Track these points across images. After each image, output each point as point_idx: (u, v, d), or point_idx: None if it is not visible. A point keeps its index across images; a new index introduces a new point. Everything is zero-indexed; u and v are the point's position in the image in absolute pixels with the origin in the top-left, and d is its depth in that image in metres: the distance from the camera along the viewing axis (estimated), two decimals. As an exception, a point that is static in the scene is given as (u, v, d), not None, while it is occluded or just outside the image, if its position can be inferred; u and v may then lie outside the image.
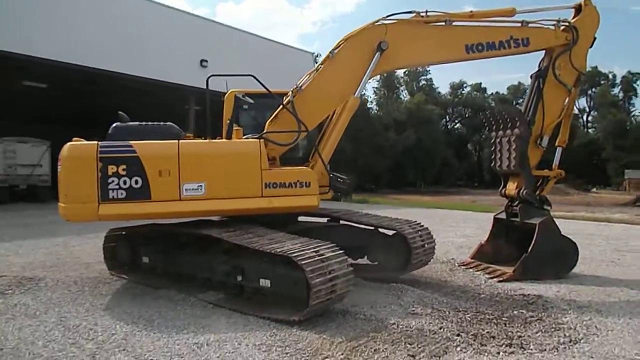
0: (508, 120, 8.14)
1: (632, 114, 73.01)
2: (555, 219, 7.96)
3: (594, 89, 75.68)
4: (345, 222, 7.68)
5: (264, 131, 6.72)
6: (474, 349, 4.55)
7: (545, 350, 4.57)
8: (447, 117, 76.39)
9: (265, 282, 5.64)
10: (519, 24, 7.65)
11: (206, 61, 23.56)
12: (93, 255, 8.58)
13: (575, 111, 78.89)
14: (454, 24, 7.45)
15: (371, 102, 64.25)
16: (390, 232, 7.23)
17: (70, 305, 5.76)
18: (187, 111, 24.61)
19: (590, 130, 76.54)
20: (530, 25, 7.70)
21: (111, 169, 5.94)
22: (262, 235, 5.92)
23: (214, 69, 23.09)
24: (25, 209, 18.94)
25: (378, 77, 64.26)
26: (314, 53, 45.88)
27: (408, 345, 4.57)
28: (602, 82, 75.99)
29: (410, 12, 7.33)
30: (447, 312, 5.73)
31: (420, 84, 72.40)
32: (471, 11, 7.74)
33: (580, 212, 26.21)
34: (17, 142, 22.33)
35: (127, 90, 22.44)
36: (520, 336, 4.92)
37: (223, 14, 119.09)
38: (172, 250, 6.82)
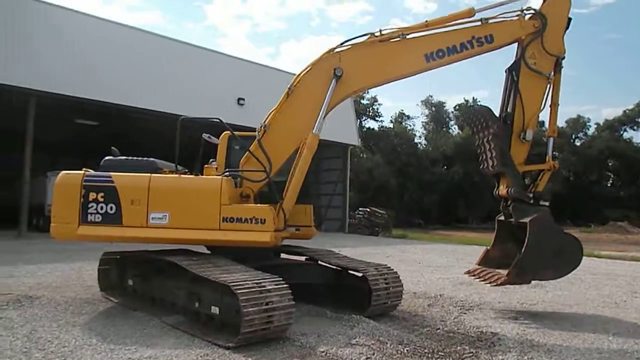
0: (482, 120, 7.87)
1: None
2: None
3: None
4: (321, 262, 7.96)
5: (226, 170, 7.32)
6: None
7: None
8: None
9: (215, 309, 6.07)
10: (480, 23, 7.52)
11: (243, 99, 24.84)
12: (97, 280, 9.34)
13: None
14: (409, 36, 7.45)
15: (419, 136, 64.03)
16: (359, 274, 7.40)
17: (46, 321, 6.43)
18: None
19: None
20: (491, 21, 7.56)
21: (92, 195, 6.84)
22: (220, 267, 6.37)
23: (250, 106, 24.42)
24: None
25: (427, 111, 64.28)
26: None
27: (317, 371, 4.79)
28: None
29: (365, 35, 7.44)
30: (387, 345, 5.84)
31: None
32: (426, 20, 7.63)
33: (632, 252, 24.77)
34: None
35: (170, 126, 24.00)
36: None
37: (285, 53, 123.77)
38: (151, 274, 7.42)
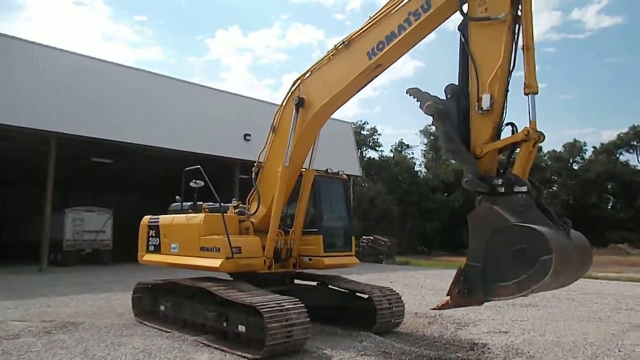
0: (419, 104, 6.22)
1: None
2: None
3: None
4: (331, 286, 8.95)
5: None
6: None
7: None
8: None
9: (242, 328, 7.05)
10: None
11: (249, 135, 26.13)
12: (127, 308, 10.27)
13: (639, 167, 75.76)
14: (353, 39, 7.20)
15: (420, 164, 65.31)
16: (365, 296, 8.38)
17: (94, 342, 7.39)
18: (234, 180, 27.08)
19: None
20: None
21: (151, 232, 9.18)
22: (244, 291, 7.38)
23: (256, 141, 25.70)
24: (88, 270, 21.42)
25: (425, 140, 65.74)
26: (354, 123, 48.38)
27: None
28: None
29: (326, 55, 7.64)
30: (392, 355, 6.80)
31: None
32: (369, 16, 7.17)
33: (629, 272, 25.57)
34: (84, 211, 25.50)
35: (178, 163, 25.23)
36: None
37: (287, 84, 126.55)
38: (181, 300, 8.43)
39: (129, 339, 7.66)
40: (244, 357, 6.54)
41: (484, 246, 5.21)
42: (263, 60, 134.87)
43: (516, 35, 5.60)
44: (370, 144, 61.74)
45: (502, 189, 5.35)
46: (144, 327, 8.59)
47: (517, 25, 5.58)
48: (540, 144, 5.45)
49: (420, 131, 66.71)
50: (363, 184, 49.97)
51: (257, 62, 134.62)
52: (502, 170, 5.71)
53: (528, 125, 5.32)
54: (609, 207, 74.34)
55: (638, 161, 76.56)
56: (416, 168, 61.91)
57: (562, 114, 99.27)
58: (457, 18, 6.11)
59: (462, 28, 5.96)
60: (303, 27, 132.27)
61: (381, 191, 48.57)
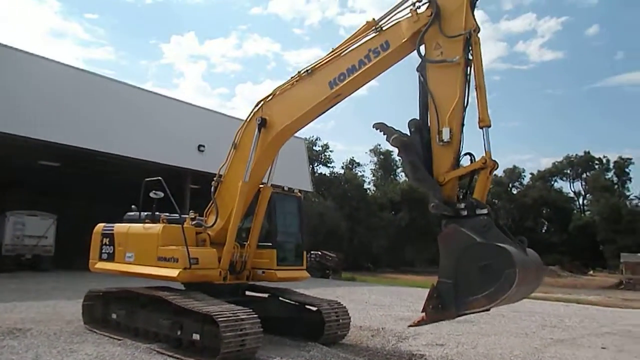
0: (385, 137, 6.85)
1: (629, 197, 74.65)
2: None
3: (587, 173, 78.00)
4: (281, 298, 9.35)
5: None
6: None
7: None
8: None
9: (196, 336, 7.35)
10: (375, 34, 7.12)
11: (203, 146, 26.17)
12: (75, 315, 10.22)
13: (571, 194, 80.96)
14: (318, 67, 7.70)
15: (369, 182, 66.87)
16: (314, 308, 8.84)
17: (45, 348, 7.45)
18: (184, 190, 26.92)
19: (587, 213, 77.79)
20: (385, 27, 7.04)
21: (104, 240, 9.20)
22: (200, 300, 7.67)
23: (210, 153, 25.81)
24: (29, 277, 20.66)
25: (375, 159, 67.52)
26: (306, 139, 49.13)
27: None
28: (597, 166, 78.46)
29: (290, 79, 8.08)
30: (337, 363, 7.32)
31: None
32: (332, 48, 7.69)
33: (557, 294, 27.41)
34: (27, 215, 24.57)
35: (130, 170, 24.89)
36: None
37: (241, 95, 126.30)
38: (134, 308, 8.58)
39: (81, 346, 7.75)
40: (198, 364, 6.85)
41: (454, 264, 5.67)
42: (218, 69, 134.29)
43: (468, 76, 6.31)
44: (322, 160, 62.70)
45: (466, 212, 5.91)
46: (94, 334, 8.65)
47: (468, 67, 6.30)
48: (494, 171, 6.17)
49: (371, 150, 68.54)
50: (314, 200, 50.61)
51: (212, 70, 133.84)
52: (462, 195, 6.25)
53: (484, 155, 5.99)
54: (544, 230, 78.78)
55: (570, 189, 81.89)
56: (365, 186, 63.36)
57: (505, 140, 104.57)
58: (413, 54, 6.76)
59: (421, 69, 6.56)
60: (260, 39, 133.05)
61: (330, 207, 49.35)
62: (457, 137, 6.23)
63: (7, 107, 19.67)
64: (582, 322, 13.82)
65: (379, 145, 67.47)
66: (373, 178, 69.18)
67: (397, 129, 6.60)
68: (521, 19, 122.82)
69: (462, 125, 6.32)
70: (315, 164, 60.69)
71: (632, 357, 8.97)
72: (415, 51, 6.62)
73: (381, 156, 66.82)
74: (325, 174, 60.74)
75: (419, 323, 6.11)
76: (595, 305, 21.00)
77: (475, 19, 6.38)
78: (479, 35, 6.32)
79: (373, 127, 6.79)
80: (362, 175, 65.48)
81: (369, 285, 27.72)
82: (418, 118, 6.58)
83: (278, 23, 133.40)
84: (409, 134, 6.54)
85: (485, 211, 5.84)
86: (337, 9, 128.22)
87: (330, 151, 63.79)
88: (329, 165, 63.50)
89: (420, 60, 6.58)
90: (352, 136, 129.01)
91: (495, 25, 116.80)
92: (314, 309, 8.83)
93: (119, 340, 8.12)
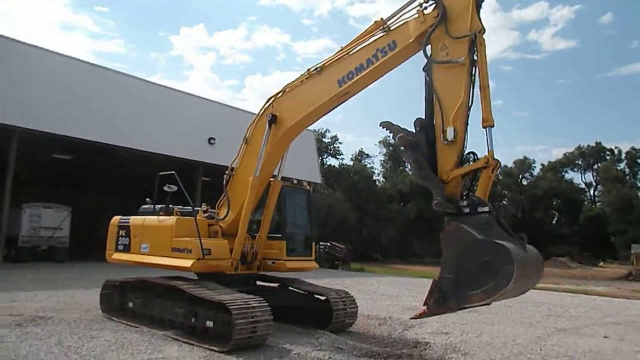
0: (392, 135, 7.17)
1: (640, 188, 74.10)
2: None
3: (599, 164, 77.41)
4: (291, 287, 9.68)
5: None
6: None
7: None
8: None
9: (209, 323, 7.68)
10: (383, 34, 7.32)
11: (214, 139, 26.53)
12: (93, 304, 10.64)
13: (582, 185, 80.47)
14: (327, 65, 7.93)
15: (378, 174, 66.95)
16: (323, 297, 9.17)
17: (67, 334, 7.83)
18: (196, 182, 27.35)
19: (598, 204, 77.35)
20: (393, 27, 7.24)
21: (121, 232, 9.58)
22: (213, 290, 8.00)
23: (220, 145, 26.15)
24: (45, 267, 21.24)
25: (384, 150, 67.53)
26: (315, 131, 49.28)
27: (293, 364, 6.53)
28: (608, 157, 77.85)
29: (300, 76, 8.29)
30: (345, 350, 7.61)
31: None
32: (341, 46, 7.90)
33: (565, 284, 27.54)
34: (42, 207, 25.15)
35: (141, 163, 25.35)
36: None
37: (250, 86, 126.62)
38: (150, 297, 8.94)
39: (100, 333, 8.12)
40: (212, 350, 7.17)
41: (455, 259, 5.88)
42: (227, 61, 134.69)
43: (473, 76, 6.45)
44: (331, 151, 62.93)
45: (468, 210, 6.09)
46: (112, 322, 9.03)
47: (473, 67, 6.44)
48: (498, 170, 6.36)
49: (380, 142, 68.57)
50: (323, 191, 50.92)
51: (221, 62, 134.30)
52: (465, 193, 6.41)
53: (487, 154, 6.16)
54: (554, 222, 78.51)
55: (581, 180, 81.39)
56: (374, 177, 63.50)
57: (516, 131, 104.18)
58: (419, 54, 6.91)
59: (427, 69, 6.72)
60: (270, 30, 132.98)
61: (339, 199, 49.63)
62: (461, 136, 6.39)
63: (21, 101, 20.16)
64: (587, 313, 14.00)
65: (388, 136, 67.03)
66: (382, 169, 69.35)
67: (402, 126, 6.79)
68: (533, 8, 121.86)
69: (467, 124, 6.47)
70: (325, 156, 60.91)
71: (633, 346, 9.17)
72: (422, 51, 6.78)
73: (390, 148, 66.85)
74: (334, 166, 61.00)
75: (420, 316, 6.37)
76: (603, 296, 21.12)
77: (480, 20, 6.52)
78: (484, 36, 6.47)
79: (380, 125, 7.04)
80: (372, 167, 65.69)
81: (378, 275, 28.03)
82: (424, 117, 6.75)
83: (287, 14, 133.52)
84: (414, 132, 6.71)
85: (486, 209, 6.01)
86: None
87: (340, 143, 64.11)
88: (338, 156, 63.77)
89: (426, 60, 6.74)
90: (361, 128, 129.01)
91: (507, 14, 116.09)
92: (323, 298, 9.13)
93: (136, 327, 8.49)
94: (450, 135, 6.35)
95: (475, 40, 6.41)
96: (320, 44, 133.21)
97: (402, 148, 6.83)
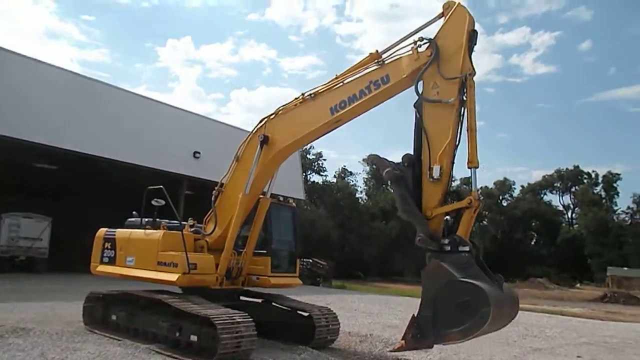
0: (378, 169, 8.33)
1: (616, 211, 75.89)
2: None
3: (576, 187, 79.20)
4: (274, 303, 9.81)
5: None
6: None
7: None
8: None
9: (194, 337, 7.78)
10: (377, 67, 7.52)
11: (199, 153, 26.58)
12: (74, 316, 10.57)
13: (560, 207, 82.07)
14: (321, 92, 8.09)
15: (361, 192, 67.42)
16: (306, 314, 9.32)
17: (49, 346, 7.83)
18: (179, 196, 27.25)
19: (576, 226, 78.90)
20: (387, 61, 7.44)
21: (106, 244, 9.62)
22: (198, 304, 8.10)
23: (206, 159, 26.22)
24: (23, 278, 20.92)
25: (367, 168, 68.13)
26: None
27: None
28: (585, 180, 79.73)
29: (294, 100, 8.46)
30: (327, 366, 7.77)
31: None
32: (336, 75, 8.07)
33: (543, 305, 28.04)
34: (22, 217, 24.83)
35: (126, 175, 25.22)
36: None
37: (235, 100, 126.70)
38: (134, 310, 8.99)
39: (83, 345, 8.14)
40: (195, 363, 7.27)
41: (434, 297, 6.13)
42: (213, 74, 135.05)
43: (462, 116, 6.67)
44: (315, 168, 63.27)
45: (449, 248, 6.30)
46: (95, 335, 9.03)
47: (462, 108, 6.67)
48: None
49: (363, 159, 69.19)
50: (306, 207, 51.04)
51: (207, 75, 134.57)
52: (447, 230, 6.56)
53: (470, 195, 6.39)
54: (532, 243, 79.79)
55: (560, 202, 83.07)
56: (357, 195, 63.92)
57: (497, 152, 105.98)
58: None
59: (417, 106, 6.94)
60: (257, 45, 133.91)
61: (322, 215, 49.81)
62: (447, 174, 6.60)
63: (3, 110, 19.99)
64: (563, 333, 14.36)
65: (372, 154, 68.27)
66: (365, 187, 69.82)
67: (387, 151, 7.12)
68: (516, 32, 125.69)
69: (452, 163, 6.71)
70: (309, 172, 61.19)
71: (604, 366, 9.51)
72: (414, 87, 6.99)
73: (374, 166, 67.41)
74: (318, 182, 61.31)
75: (398, 349, 6.64)
76: (578, 317, 21.62)
77: (472, 63, 6.75)
78: (474, 78, 6.71)
79: (368, 159, 7.32)
80: (354, 185, 66.09)
81: (359, 293, 28.16)
82: (412, 153, 6.95)
83: (275, 29, 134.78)
84: (402, 163, 6.92)
85: (467, 248, 6.25)
86: (334, 17, 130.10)
87: (324, 159, 64.45)
88: (322, 173, 64.12)
89: (417, 96, 6.96)
90: (345, 145, 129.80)
91: (490, 38, 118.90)
92: (306, 314, 9.29)
93: (119, 340, 8.52)
94: (436, 173, 6.55)
95: (465, 82, 6.63)
96: (307, 60, 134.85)
97: (388, 182, 6.98)
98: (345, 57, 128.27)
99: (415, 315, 6.29)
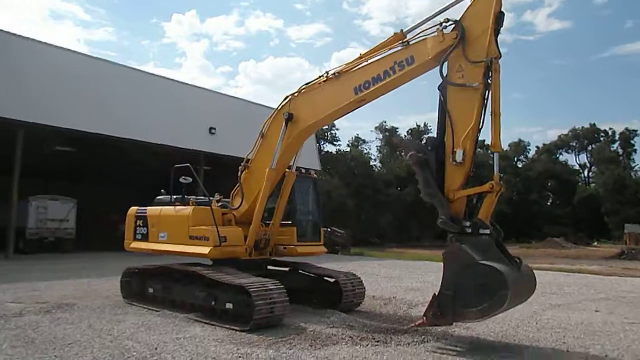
0: (405, 151, 7.78)
1: (634, 168, 75.13)
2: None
3: (592, 145, 78.24)
4: (301, 271, 10.25)
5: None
6: (353, 343, 7.07)
7: (400, 345, 7.06)
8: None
9: (229, 305, 8.25)
10: (401, 47, 7.50)
11: (214, 129, 26.92)
12: (111, 291, 11.18)
13: (576, 167, 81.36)
14: (345, 71, 8.15)
15: (374, 159, 67.47)
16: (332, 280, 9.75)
17: (95, 319, 8.39)
18: (198, 172, 27.75)
19: (592, 185, 78.37)
20: (412, 42, 7.42)
21: (138, 222, 10.11)
22: (231, 274, 8.55)
23: (221, 135, 26.55)
24: (54, 258, 21.80)
25: (380, 135, 67.97)
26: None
27: (310, 340, 7.12)
28: (602, 138, 78.67)
29: (318, 78, 8.55)
30: (355, 327, 8.21)
31: (423, 142, 75.78)
32: (360, 53, 8.13)
33: (560, 264, 28.33)
34: (49, 200, 25.61)
35: (144, 154, 25.74)
36: (390, 339, 7.39)
37: (244, 72, 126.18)
38: (170, 283, 9.49)
39: (125, 317, 8.68)
40: (233, 329, 7.74)
41: (455, 278, 6.47)
42: (220, 47, 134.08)
43: (486, 100, 6.70)
44: (329, 138, 63.30)
45: (470, 230, 6.53)
46: (134, 307, 9.59)
47: (487, 91, 6.68)
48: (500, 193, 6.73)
49: (376, 127, 68.95)
50: (321, 177, 51.42)
51: (214, 48, 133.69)
52: (469, 212, 6.78)
53: (492, 179, 6.57)
54: (549, 203, 79.48)
55: (575, 161, 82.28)
56: (371, 163, 64.00)
57: (511, 113, 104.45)
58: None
59: (442, 88, 6.96)
60: (263, 15, 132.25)
61: (337, 184, 50.17)
62: (470, 158, 6.71)
63: (25, 95, 20.45)
64: (580, 290, 14.68)
65: (384, 122, 67.98)
66: (379, 155, 69.78)
67: (413, 140, 7.31)
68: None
69: (476, 147, 6.83)
70: (322, 142, 61.31)
71: (622, 318, 9.82)
72: (438, 69, 7.01)
73: (386, 133, 67.29)
74: (331, 152, 61.44)
75: (419, 325, 7.09)
76: (596, 274, 21.84)
77: (498, 47, 6.71)
78: (499, 62, 6.69)
79: (392, 141, 7.51)
80: (368, 153, 66.09)
81: (378, 259, 28.70)
82: (438, 134, 7.14)
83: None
84: (426, 146, 7.18)
85: (487, 231, 6.49)
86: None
87: (337, 129, 64.36)
88: (335, 143, 64.17)
89: (441, 79, 6.99)
90: (356, 113, 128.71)
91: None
92: (332, 280, 9.71)
93: (157, 311, 9.06)
94: (459, 157, 6.66)
95: (491, 66, 6.61)
96: (314, 28, 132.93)
97: (412, 165, 7.16)
98: (353, 23, 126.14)
99: (436, 294, 6.65)
